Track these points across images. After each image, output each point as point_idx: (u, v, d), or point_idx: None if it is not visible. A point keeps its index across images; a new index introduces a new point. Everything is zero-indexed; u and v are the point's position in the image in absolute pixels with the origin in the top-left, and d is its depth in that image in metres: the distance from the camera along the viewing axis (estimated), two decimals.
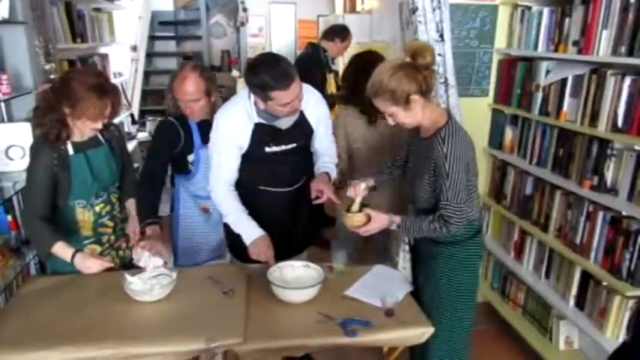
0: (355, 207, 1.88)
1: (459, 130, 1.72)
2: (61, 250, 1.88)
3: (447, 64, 2.55)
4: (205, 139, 2.15)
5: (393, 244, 2.81)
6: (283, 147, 2.02)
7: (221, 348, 1.62)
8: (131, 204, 2.16)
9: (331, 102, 2.30)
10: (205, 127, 2.16)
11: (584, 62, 2.23)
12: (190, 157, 2.24)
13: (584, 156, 2.24)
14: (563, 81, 2.34)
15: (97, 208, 2.02)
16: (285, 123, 1.98)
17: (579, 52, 2.23)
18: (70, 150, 1.91)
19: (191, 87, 2.08)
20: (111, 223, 2.08)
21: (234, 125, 1.96)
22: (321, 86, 3.67)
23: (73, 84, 1.79)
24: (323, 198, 2.00)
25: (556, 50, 2.40)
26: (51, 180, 1.88)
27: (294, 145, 2.04)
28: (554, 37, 2.41)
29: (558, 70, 2.39)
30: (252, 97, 1.92)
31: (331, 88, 4.07)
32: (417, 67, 1.68)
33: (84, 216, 1.99)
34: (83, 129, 1.89)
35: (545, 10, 2.45)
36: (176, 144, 2.19)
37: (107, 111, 1.86)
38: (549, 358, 2.51)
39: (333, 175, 2.15)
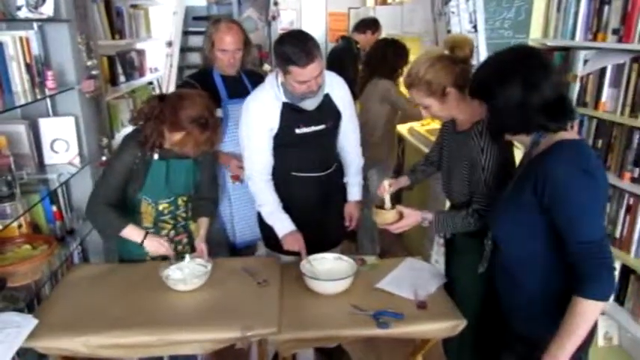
0: (387, 205, 1.87)
1: None
2: (132, 232, 1.96)
3: (481, 55, 2.52)
4: (231, 93, 2.32)
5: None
6: (313, 128, 2.04)
7: (256, 337, 1.66)
8: (203, 222, 2.14)
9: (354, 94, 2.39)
10: (230, 81, 2.34)
11: (625, 51, 2.17)
12: (217, 113, 2.25)
13: (624, 147, 2.17)
14: (602, 70, 2.28)
15: (160, 207, 2.07)
16: (310, 104, 2.00)
17: (619, 40, 2.16)
18: (156, 155, 1.97)
19: (236, 36, 2.29)
20: (171, 221, 2.12)
21: (263, 105, 2.00)
22: (353, 78, 3.69)
23: (180, 112, 1.81)
24: (353, 224, 2.30)
25: (594, 39, 2.33)
26: (127, 174, 1.95)
27: (323, 126, 2.07)
28: (593, 26, 2.34)
29: (597, 59, 2.32)
30: (279, 77, 1.96)
31: None
32: (455, 59, 1.67)
33: (147, 209, 2.05)
34: (175, 148, 1.92)
35: None
36: None
37: (204, 146, 1.89)
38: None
39: (360, 191, 2.31)
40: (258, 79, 2.29)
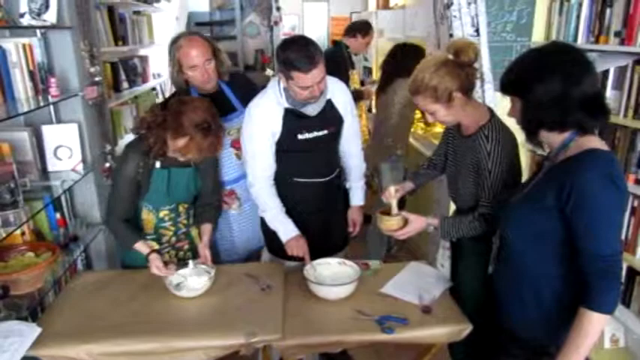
0: (394, 210, 1.86)
1: (503, 128, 1.71)
2: (140, 247, 1.98)
3: (483, 58, 2.51)
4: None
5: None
6: (315, 134, 2.04)
7: (261, 343, 1.65)
8: (206, 228, 2.12)
9: (354, 97, 2.37)
10: (210, 99, 2.12)
11: (627, 53, 2.17)
12: None
13: (627, 149, 2.17)
14: (605, 73, 2.28)
15: (161, 214, 2.07)
16: (312, 110, 2.00)
17: (621, 42, 2.17)
18: (157, 164, 1.97)
19: (202, 47, 2.10)
20: (172, 228, 2.12)
21: (266, 110, 1.99)
22: (345, 82, 3.69)
23: (182, 118, 1.81)
24: (357, 230, 2.29)
25: (597, 42, 2.33)
26: (134, 182, 1.96)
27: (325, 132, 2.07)
28: (595, 29, 2.34)
29: (599, 61, 2.32)
30: (282, 83, 1.96)
31: (354, 84, 4.08)
32: (460, 64, 1.66)
33: (148, 216, 2.06)
34: (178, 155, 1.92)
35: (586, 1, 2.38)
36: None
37: (207, 151, 1.89)
38: (594, 357, 2.45)
39: (363, 195, 2.31)
40: (240, 81, 2.24)
